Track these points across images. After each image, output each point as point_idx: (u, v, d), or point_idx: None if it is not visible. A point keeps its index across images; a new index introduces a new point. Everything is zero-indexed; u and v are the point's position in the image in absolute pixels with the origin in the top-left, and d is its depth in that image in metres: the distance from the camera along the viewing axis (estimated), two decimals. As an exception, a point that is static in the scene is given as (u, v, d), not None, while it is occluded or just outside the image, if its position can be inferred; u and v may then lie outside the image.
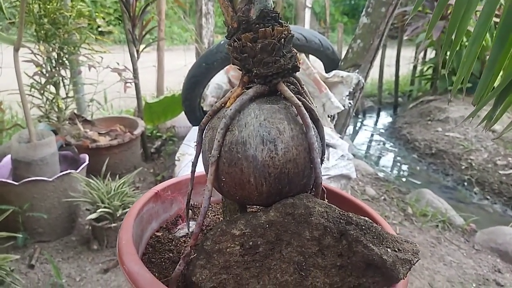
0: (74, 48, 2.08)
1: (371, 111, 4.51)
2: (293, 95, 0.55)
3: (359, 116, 4.29)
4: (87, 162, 1.66)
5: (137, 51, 2.20)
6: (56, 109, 2.08)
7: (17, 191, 1.42)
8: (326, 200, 0.68)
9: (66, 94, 2.14)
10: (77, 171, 1.55)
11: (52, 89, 2.06)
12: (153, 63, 2.96)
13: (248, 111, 0.54)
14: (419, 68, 4.74)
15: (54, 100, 2.06)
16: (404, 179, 2.75)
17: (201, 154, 0.60)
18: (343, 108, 1.81)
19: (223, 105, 0.57)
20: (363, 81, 1.92)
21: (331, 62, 2.03)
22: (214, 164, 0.53)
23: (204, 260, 0.55)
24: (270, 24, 0.53)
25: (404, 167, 3.05)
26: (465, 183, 2.62)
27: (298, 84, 0.59)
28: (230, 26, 0.55)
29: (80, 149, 1.93)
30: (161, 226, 0.73)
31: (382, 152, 3.37)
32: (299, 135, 0.54)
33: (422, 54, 4.60)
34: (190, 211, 0.79)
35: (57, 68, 2.04)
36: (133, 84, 2.19)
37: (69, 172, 1.51)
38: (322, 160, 0.63)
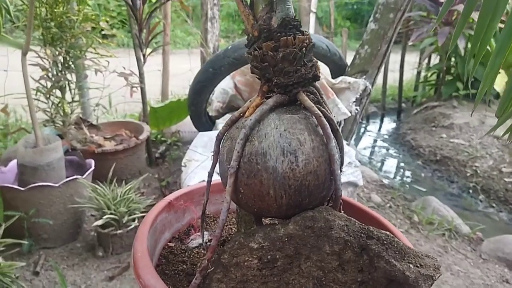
0: (80, 52, 2.08)
1: (375, 116, 4.50)
2: (313, 105, 0.54)
3: (363, 121, 4.27)
4: (93, 167, 1.65)
5: (144, 55, 2.19)
6: (62, 114, 2.08)
7: (23, 197, 1.41)
8: (342, 211, 0.67)
9: (72, 98, 2.13)
10: (83, 176, 1.54)
11: (58, 93, 2.05)
12: (158, 67, 2.95)
13: (268, 121, 0.53)
14: (423, 73, 4.73)
15: (59, 104, 2.06)
16: (408, 186, 2.73)
17: (218, 164, 0.59)
18: (350, 115, 1.80)
19: (241, 114, 0.56)
20: (370, 87, 1.91)
21: (338, 68, 2.02)
22: (233, 176, 0.52)
23: (221, 273, 0.54)
24: (292, 32, 0.52)
25: (409, 173, 3.03)
26: (470, 191, 2.60)
27: (318, 94, 0.58)
28: (250, 35, 0.54)
29: (86, 154, 1.92)
30: (174, 236, 0.72)
31: (386, 158, 3.36)
32: (320, 146, 0.52)
33: (426, 59, 4.59)
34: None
35: (63, 72, 2.03)
36: (138, 88, 2.18)
37: (76, 178, 1.50)
38: (341, 171, 0.62)
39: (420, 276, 0.49)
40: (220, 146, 0.57)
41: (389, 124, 4.37)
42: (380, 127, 4.32)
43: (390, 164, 3.23)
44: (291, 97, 0.55)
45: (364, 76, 1.92)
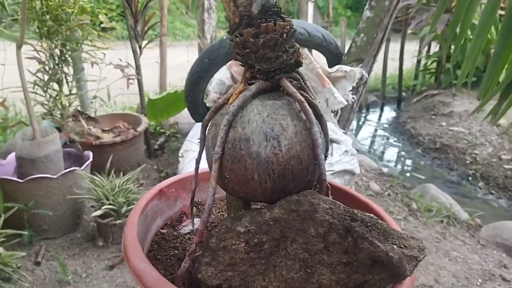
0: (76, 45, 2.08)
1: (375, 105, 4.49)
2: (296, 91, 0.55)
3: (363, 111, 4.27)
4: (91, 159, 1.66)
5: (140, 47, 2.19)
6: (60, 106, 2.09)
7: (22, 189, 1.43)
8: (330, 196, 0.68)
9: (69, 91, 2.14)
10: (82, 168, 1.56)
11: (56, 86, 2.06)
12: (156, 59, 2.95)
13: (251, 107, 0.54)
14: (423, 62, 4.71)
15: (57, 97, 2.06)
16: (408, 174, 2.74)
17: (204, 151, 0.60)
18: (346, 103, 1.80)
19: (226, 101, 0.56)
20: (367, 75, 1.91)
21: (334, 57, 2.02)
22: (218, 161, 0.53)
23: (210, 257, 0.55)
24: (272, 19, 0.52)
25: (408, 162, 3.04)
26: (470, 178, 2.60)
27: (301, 80, 0.59)
28: (232, 21, 0.55)
29: (84, 146, 1.93)
30: (166, 223, 0.73)
31: (386, 147, 3.36)
32: (303, 131, 0.53)
33: (426, 47, 4.56)
34: (194, 208, 0.79)
35: (60, 65, 2.04)
36: (135, 80, 2.19)
37: (74, 169, 1.52)
38: (326, 156, 0.62)
39: (404, 256, 0.50)
40: (206, 133, 0.58)
41: (389, 113, 4.36)
42: (380, 116, 4.32)
43: (390, 153, 3.23)
44: (274, 83, 0.56)
45: (360, 65, 1.92)
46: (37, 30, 1.97)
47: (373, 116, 4.29)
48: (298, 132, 0.53)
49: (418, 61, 4.72)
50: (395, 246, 0.50)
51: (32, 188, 1.44)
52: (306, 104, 0.54)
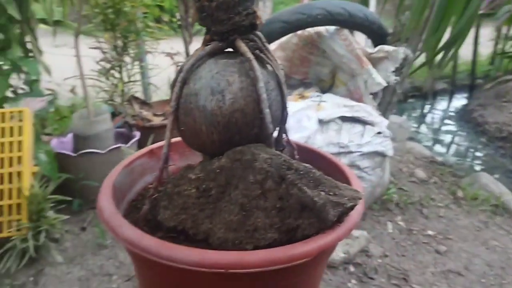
0: (136, 36, 2.25)
1: (444, 93, 4.22)
2: (247, 50, 0.58)
3: (429, 98, 4.04)
4: (137, 137, 1.81)
5: (190, 35, 2.32)
6: (120, 93, 2.29)
7: (74, 162, 1.61)
8: (296, 155, 0.70)
9: (129, 78, 2.33)
10: (127, 145, 1.71)
11: (117, 74, 2.25)
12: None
13: (204, 65, 0.59)
14: (500, 45, 4.30)
15: (118, 84, 2.26)
16: (464, 164, 2.57)
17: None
18: (385, 85, 1.74)
19: (188, 62, 0.62)
20: (412, 55, 1.83)
21: (378, 38, 1.96)
22: (172, 115, 0.59)
23: (167, 201, 0.61)
24: (225, -17, 0.57)
25: (469, 151, 2.84)
26: (536, 169, 2.38)
27: (260, 41, 0.62)
28: (193, -11, 0.60)
29: (138, 128, 2.10)
30: (157, 180, 0.81)
31: (447, 135, 3.17)
32: (249, 87, 0.57)
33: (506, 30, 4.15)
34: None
35: (121, 55, 2.23)
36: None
37: (119, 146, 1.67)
38: (285, 116, 0.65)
39: (329, 202, 0.51)
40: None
41: (458, 101, 4.08)
42: (449, 104, 4.06)
43: (450, 141, 3.04)
44: (230, 44, 0.60)
45: (405, 44, 1.84)
46: (103, 23, 2.16)
47: (440, 104, 4.05)
48: (243, 87, 0.57)
49: (496, 45, 4.32)
50: (322, 193, 0.52)
51: (82, 161, 1.61)
52: (254, 62, 0.57)
